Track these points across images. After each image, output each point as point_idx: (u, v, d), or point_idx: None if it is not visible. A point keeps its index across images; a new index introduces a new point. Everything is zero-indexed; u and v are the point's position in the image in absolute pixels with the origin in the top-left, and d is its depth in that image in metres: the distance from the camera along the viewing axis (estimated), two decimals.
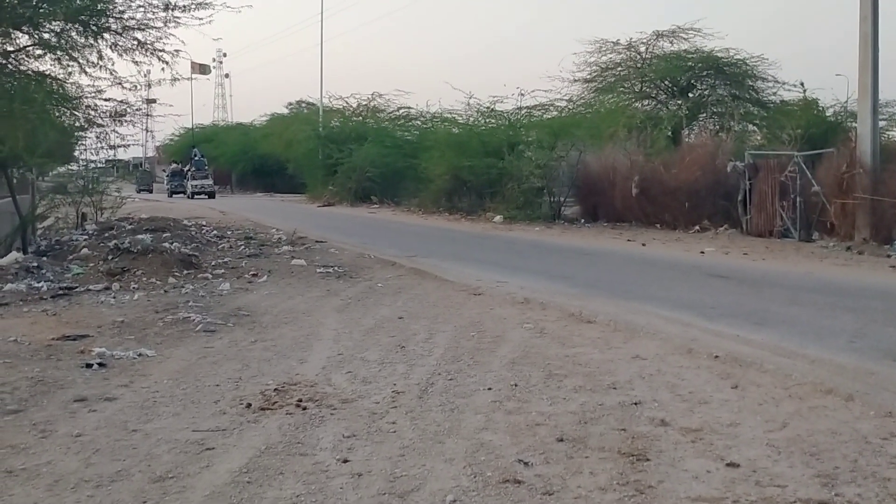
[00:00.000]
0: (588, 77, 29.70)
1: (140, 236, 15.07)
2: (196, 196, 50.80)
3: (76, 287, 11.08)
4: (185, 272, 12.38)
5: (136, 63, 14.28)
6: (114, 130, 15.84)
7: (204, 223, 22.44)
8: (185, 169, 56.23)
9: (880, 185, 16.05)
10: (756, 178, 18.82)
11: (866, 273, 12.85)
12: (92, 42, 13.53)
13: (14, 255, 12.94)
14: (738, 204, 19.25)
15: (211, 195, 51.52)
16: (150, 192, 62.22)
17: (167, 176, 60.05)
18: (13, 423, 5.38)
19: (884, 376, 6.38)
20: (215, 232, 19.79)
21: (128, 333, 8.26)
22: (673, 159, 21.90)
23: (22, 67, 13.55)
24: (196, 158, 55.58)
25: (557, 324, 8.61)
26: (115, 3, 13.66)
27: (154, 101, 19.15)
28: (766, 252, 15.75)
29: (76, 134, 17.42)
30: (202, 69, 63.20)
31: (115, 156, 23.82)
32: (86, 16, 13.29)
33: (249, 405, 5.71)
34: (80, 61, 13.56)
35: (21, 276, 11.46)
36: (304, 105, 54.14)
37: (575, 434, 5.05)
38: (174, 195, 55.52)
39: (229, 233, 19.79)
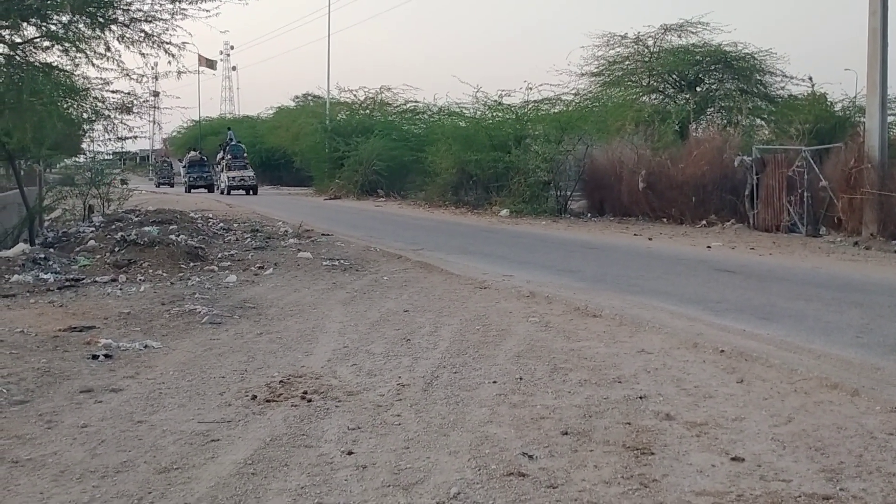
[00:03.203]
0: (595, 71, 29.59)
1: (147, 228, 15.13)
2: (233, 192, 41.14)
3: (83, 278, 11.13)
4: (192, 264, 12.41)
5: (143, 55, 14.31)
6: (121, 122, 15.87)
7: (210, 216, 22.46)
8: (218, 157, 46.65)
9: (888, 181, 15.98)
10: (763, 172, 18.76)
11: (873, 268, 12.81)
12: (99, 34, 13.56)
13: (21, 246, 12.98)
14: (746, 199, 19.19)
15: (252, 190, 41.72)
16: (172, 185, 57.28)
17: (184, 167, 51.91)
18: (19, 414, 5.40)
19: (890, 371, 6.36)
20: (222, 224, 19.80)
21: (134, 325, 8.29)
22: (680, 154, 21.82)
23: (30, 59, 13.56)
24: (232, 143, 45.08)
25: (563, 317, 8.60)
26: None
27: (158, 94, 19.14)
28: (773, 247, 15.70)
29: (83, 126, 17.45)
30: (209, 63, 61.39)
31: (122, 148, 23.83)
32: (93, 7, 13.30)
33: (255, 397, 5.73)
34: (88, 53, 13.61)
35: (28, 268, 11.50)
36: (310, 98, 53.96)
37: (580, 427, 5.04)
38: (193, 189, 47.23)
39: (235, 225, 19.82)
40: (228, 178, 42.56)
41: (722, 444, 4.75)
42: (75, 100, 14.85)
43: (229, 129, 51.28)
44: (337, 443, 4.82)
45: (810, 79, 24.21)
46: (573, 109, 27.41)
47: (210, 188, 47.50)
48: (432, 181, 30.04)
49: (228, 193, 41.07)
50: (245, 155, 45.00)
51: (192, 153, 52.29)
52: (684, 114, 26.54)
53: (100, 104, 15.10)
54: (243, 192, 41.43)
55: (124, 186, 23.49)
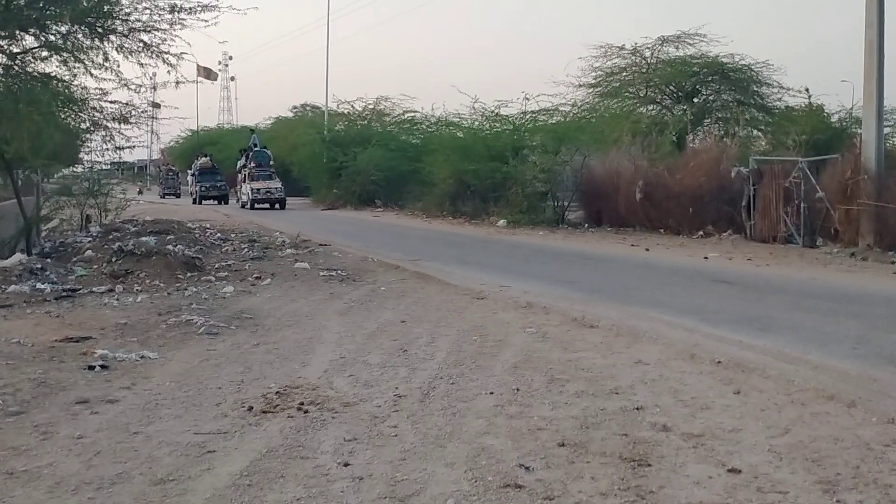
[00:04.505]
0: (593, 82, 29.69)
1: (144, 238, 15.14)
2: (258, 206, 35.36)
3: (80, 289, 11.10)
4: (189, 275, 12.39)
5: (141, 65, 14.39)
6: (119, 132, 15.89)
7: (208, 226, 22.46)
8: (239, 164, 39.97)
9: (885, 192, 16.02)
10: (760, 183, 18.80)
11: (870, 279, 12.82)
12: (98, 44, 13.64)
13: (18, 256, 12.96)
14: (742, 209, 19.23)
15: (280, 204, 35.70)
16: (178, 196, 53.75)
17: (193, 175, 45.87)
18: (15, 425, 5.38)
19: (886, 383, 6.36)
20: (219, 235, 19.81)
21: (130, 335, 8.27)
22: (677, 164, 21.89)
23: (28, 69, 13.61)
24: (256, 149, 38.96)
25: (560, 328, 8.59)
26: (122, 5, 13.75)
27: (158, 105, 19.19)
28: (770, 258, 15.72)
29: (81, 136, 17.48)
30: (208, 73, 60.42)
31: (120, 158, 23.86)
32: (92, 18, 13.37)
33: (251, 408, 5.71)
34: (86, 63, 13.67)
35: (25, 278, 11.48)
36: (308, 108, 54.01)
37: (576, 439, 5.04)
38: (204, 201, 41.87)
39: (233, 236, 19.82)
40: (252, 189, 36.21)
41: (719, 455, 4.74)
42: (73, 110, 14.88)
43: (252, 131, 45.10)
44: (333, 454, 4.81)
45: (807, 90, 24.30)
46: (570, 120, 27.51)
47: (223, 199, 42.62)
48: (430, 191, 30.11)
49: (252, 208, 35.08)
50: (271, 163, 38.90)
51: (203, 159, 45.97)
52: (681, 125, 26.63)
53: (98, 114, 15.14)
54: (267, 205, 35.59)
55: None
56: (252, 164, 37.72)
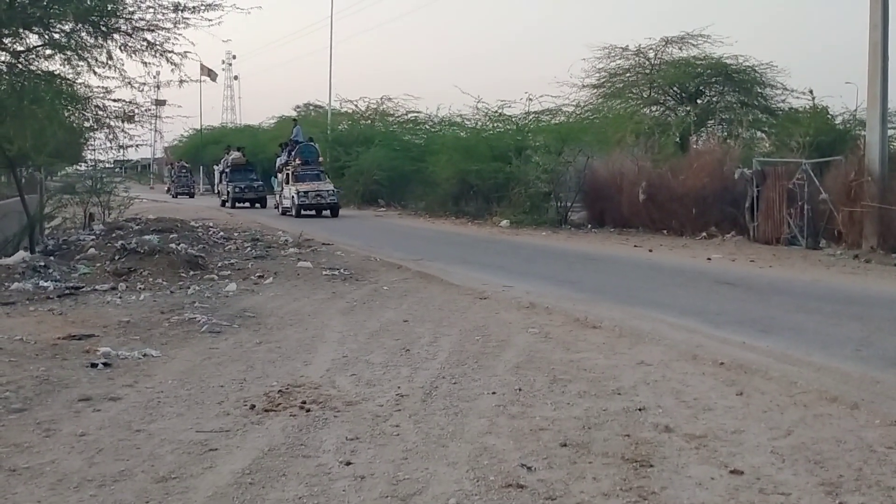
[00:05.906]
0: (596, 83, 29.70)
1: (147, 237, 15.13)
2: (304, 212, 28.64)
3: (83, 287, 11.12)
4: (192, 273, 12.40)
5: (145, 64, 14.39)
6: (123, 130, 15.90)
7: (211, 224, 22.48)
8: (279, 162, 32.40)
9: (888, 194, 15.99)
10: (764, 185, 18.76)
11: (873, 281, 12.80)
12: (101, 42, 13.66)
13: (21, 254, 12.98)
14: (746, 211, 19.19)
15: (332, 210, 29.03)
16: (192, 196, 49.07)
17: (223, 173, 38.77)
18: (17, 422, 5.39)
19: (889, 385, 6.34)
20: (222, 233, 19.82)
21: (133, 333, 8.28)
22: (680, 165, 21.85)
23: (32, 67, 13.64)
24: (301, 143, 31.74)
25: (562, 329, 8.59)
26: (126, 4, 13.78)
27: (163, 102, 19.19)
28: (773, 259, 15.69)
29: (85, 134, 17.50)
30: (210, 74, 60.04)
31: (123, 156, 23.86)
32: (96, 16, 13.39)
33: (253, 406, 5.71)
34: (90, 61, 13.68)
35: (28, 276, 11.50)
36: (312, 108, 53.98)
37: (578, 439, 5.03)
38: (238, 204, 35.56)
39: (236, 234, 19.82)
40: (298, 193, 28.80)
41: (721, 456, 4.74)
42: (76, 108, 14.89)
43: (295, 121, 38.26)
44: (335, 453, 4.81)
45: (811, 92, 24.24)
46: (574, 121, 27.47)
47: (261, 202, 36.19)
48: (433, 191, 30.08)
49: (297, 215, 28.40)
50: (320, 160, 31.70)
51: (235, 154, 38.62)
52: (685, 126, 26.59)
53: (101, 112, 15.14)
54: (313, 212, 28.83)
55: (125, 194, 23.49)
56: (297, 162, 30.39)
